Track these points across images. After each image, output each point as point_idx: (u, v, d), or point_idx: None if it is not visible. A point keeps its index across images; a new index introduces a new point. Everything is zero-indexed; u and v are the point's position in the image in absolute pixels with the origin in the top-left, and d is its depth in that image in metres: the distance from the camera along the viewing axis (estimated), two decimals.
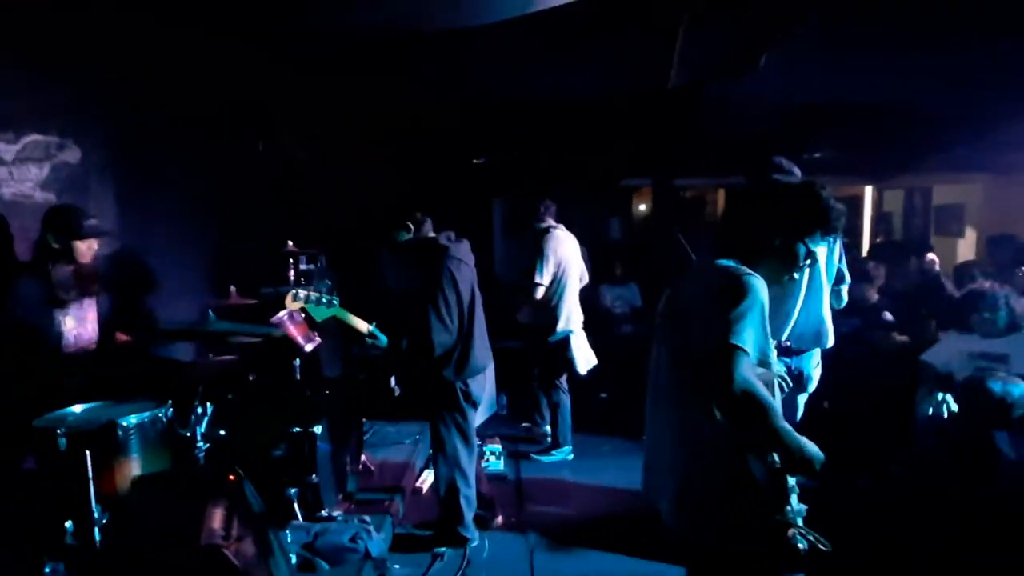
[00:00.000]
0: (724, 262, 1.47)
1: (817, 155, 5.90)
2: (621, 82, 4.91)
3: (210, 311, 2.87)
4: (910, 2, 3.33)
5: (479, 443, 3.99)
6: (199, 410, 2.38)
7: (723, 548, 1.45)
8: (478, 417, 4.42)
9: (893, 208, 7.43)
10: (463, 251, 2.72)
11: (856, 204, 7.52)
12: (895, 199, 7.41)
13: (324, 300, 2.50)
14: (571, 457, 4.03)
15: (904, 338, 3.85)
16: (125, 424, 2.08)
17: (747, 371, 1.33)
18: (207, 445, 2.36)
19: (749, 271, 1.43)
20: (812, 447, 1.37)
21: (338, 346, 3.58)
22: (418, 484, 3.59)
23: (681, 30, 3.98)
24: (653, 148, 6.17)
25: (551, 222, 4.06)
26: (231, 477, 1.89)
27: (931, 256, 4.81)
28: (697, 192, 7.92)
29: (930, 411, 2.96)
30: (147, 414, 2.17)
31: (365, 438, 3.87)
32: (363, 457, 3.38)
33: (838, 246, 2.71)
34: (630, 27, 3.91)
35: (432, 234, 2.76)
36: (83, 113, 3.10)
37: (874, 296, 4.14)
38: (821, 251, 2.71)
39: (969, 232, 6.33)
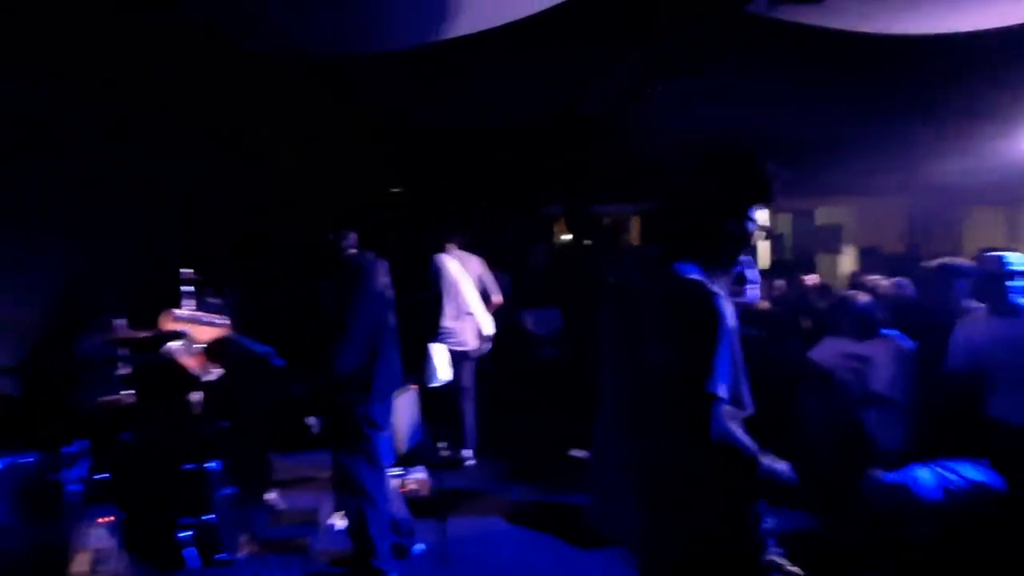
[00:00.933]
0: (684, 270, 1.36)
1: None
2: (537, 113, 5.12)
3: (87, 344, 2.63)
4: (789, 45, 3.75)
5: (403, 471, 3.90)
6: (74, 452, 2.15)
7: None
8: (403, 445, 4.35)
9: (784, 229, 8.12)
10: (379, 272, 2.66)
11: None
12: (785, 222, 8.12)
13: (211, 321, 2.32)
14: (471, 462, 4.13)
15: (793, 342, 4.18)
16: None
17: (724, 419, 1.27)
18: (81, 488, 2.13)
19: (713, 289, 1.32)
20: (785, 471, 1.33)
21: (247, 376, 3.39)
22: (330, 520, 3.41)
23: (588, 63, 4.24)
24: (568, 177, 6.42)
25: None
26: (102, 520, 1.72)
27: (812, 277, 5.27)
28: (615, 218, 8.29)
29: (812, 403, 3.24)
30: (10, 461, 1.96)
31: (281, 476, 3.65)
32: (271, 494, 3.17)
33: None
34: (543, 58, 4.11)
35: (353, 251, 2.66)
36: None
37: (766, 305, 4.48)
38: None
39: (848, 248, 7.03)
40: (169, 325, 2.29)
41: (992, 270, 2.62)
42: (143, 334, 3.13)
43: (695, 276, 1.36)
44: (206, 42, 3.06)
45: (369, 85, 4.27)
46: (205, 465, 2.43)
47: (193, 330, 2.26)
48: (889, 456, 3.12)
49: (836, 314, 3.45)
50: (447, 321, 4.15)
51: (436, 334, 4.16)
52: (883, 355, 3.21)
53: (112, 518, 1.72)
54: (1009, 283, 2.62)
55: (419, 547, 2.98)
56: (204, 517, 2.39)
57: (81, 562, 1.49)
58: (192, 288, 3.35)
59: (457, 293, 4.19)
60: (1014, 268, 2.60)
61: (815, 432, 3.33)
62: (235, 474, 2.70)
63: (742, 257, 1.47)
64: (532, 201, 6.93)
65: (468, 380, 4.27)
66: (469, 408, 4.29)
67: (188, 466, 2.42)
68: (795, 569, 1.37)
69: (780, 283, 4.58)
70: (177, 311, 2.26)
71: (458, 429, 4.30)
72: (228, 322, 2.33)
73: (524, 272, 6.31)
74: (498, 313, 4.53)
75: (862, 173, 5.94)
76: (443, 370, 4.09)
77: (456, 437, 4.31)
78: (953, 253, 5.27)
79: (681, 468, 1.34)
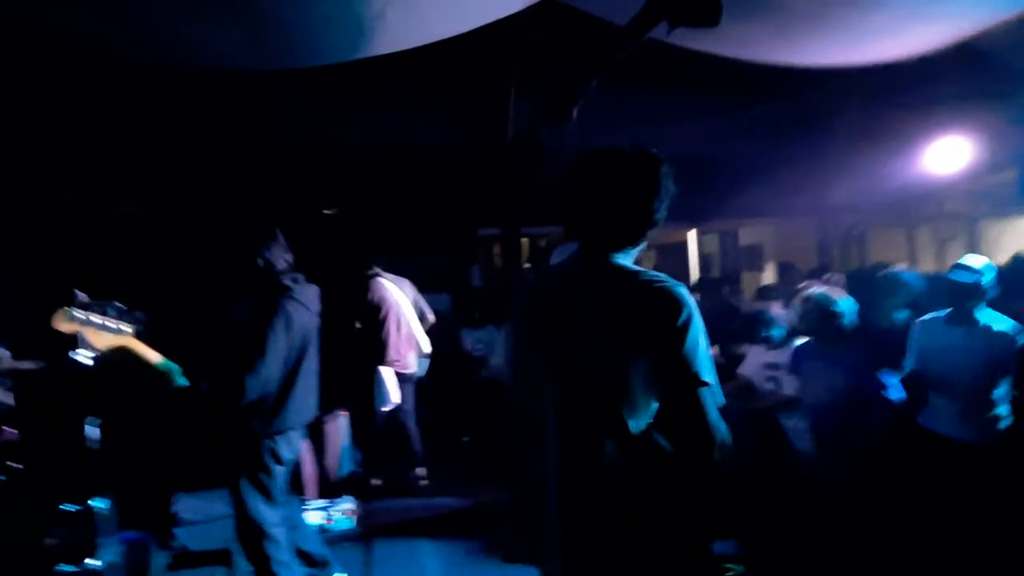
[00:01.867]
0: (623, 260, 1.33)
1: None
2: (467, 135, 5.16)
3: None
4: (700, 67, 3.95)
5: (328, 503, 3.70)
6: None
7: None
8: (334, 474, 4.15)
9: (711, 249, 8.50)
10: (307, 295, 2.48)
11: (683, 247, 8.50)
12: (712, 241, 8.50)
13: (111, 326, 2.02)
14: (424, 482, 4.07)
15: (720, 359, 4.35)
16: None
17: (715, 410, 1.23)
18: None
19: (673, 281, 1.28)
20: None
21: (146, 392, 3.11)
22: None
23: (511, 87, 4.32)
24: (501, 198, 6.48)
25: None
26: None
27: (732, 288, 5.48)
28: (550, 239, 8.43)
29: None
30: None
31: (183, 515, 3.37)
32: (176, 532, 2.92)
33: None
34: (470, 82, 4.16)
35: (281, 268, 2.44)
36: None
37: None
38: None
39: (768, 266, 7.42)
40: (62, 326, 1.96)
41: (964, 281, 2.63)
42: (26, 365, 2.87)
43: (645, 270, 1.32)
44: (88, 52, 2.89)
45: (294, 102, 4.18)
46: (89, 503, 2.19)
47: (89, 334, 1.97)
48: (803, 456, 3.27)
49: (752, 326, 3.65)
50: (391, 344, 4.14)
51: (381, 358, 4.11)
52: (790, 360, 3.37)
53: None
54: (976, 296, 2.62)
55: None
56: (87, 563, 2.14)
57: None
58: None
59: (399, 315, 4.21)
60: (984, 281, 2.64)
61: (739, 439, 3.45)
62: (131, 513, 2.46)
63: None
64: (469, 223, 6.95)
65: (410, 402, 4.28)
66: (414, 429, 4.28)
67: (69, 506, 2.17)
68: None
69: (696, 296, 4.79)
70: (73, 310, 1.96)
71: (404, 451, 4.26)
72: (131, 328, 2.05)
73: (463, 292, 6.34)
74: (436, 333, 4.55)
75: (776, 194, 6.32)
76: (395, 392, 4.09)
77: (401, 460, 4.26)
78: (859, 268, 5.66)
79: (634, 478, 1.26)
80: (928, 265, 6.39)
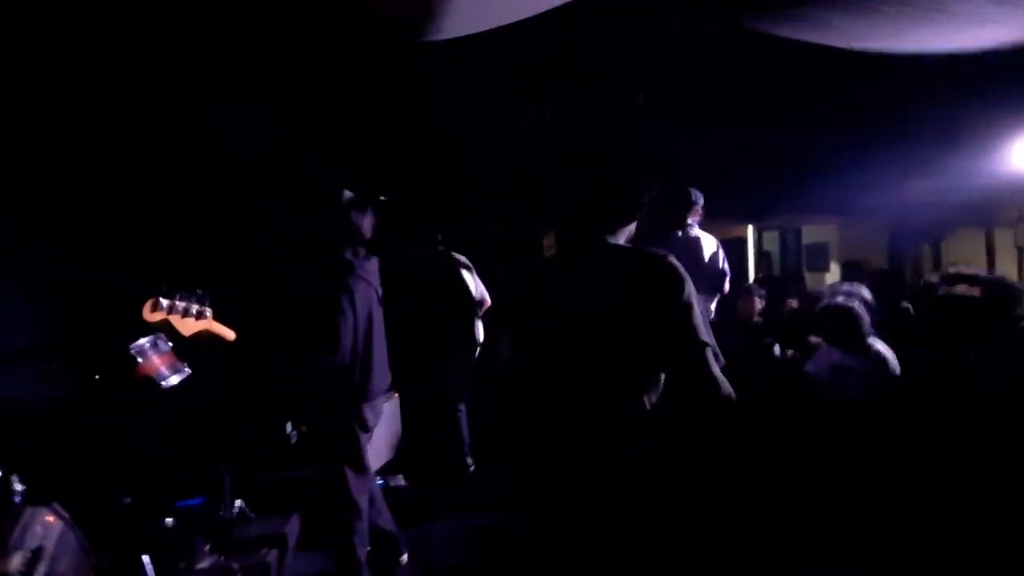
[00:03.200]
0: (614, 240, 1.42)
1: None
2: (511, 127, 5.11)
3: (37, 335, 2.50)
4: (777, 63, 3.79)
5: (382, 481, 3.78)
6: (16, 451, 2.04)
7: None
8: (383, 456, 4.24)
9: (771, 247, 8.18)
10: (368, 269, 2.54)
11: (741, 244, 8.22)
12: (772, 239, 8.18)
13: (194, 311, 2.14)
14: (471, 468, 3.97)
15: (791, 352, 4.16)
16: None
17: (717, 369, 1.29)
18: (25, 489, 2.02)
19: (666, 253, 1.36)
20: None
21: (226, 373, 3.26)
22: (304, 531, 3.28)
23: (564, 76, 4.26)
24: (543, 194, 6.41)
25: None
26: (49, 519, 1.61)
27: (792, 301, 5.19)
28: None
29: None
30: None
31: (247, 486, 3.52)
32: (239, 503, 3.04)
33: (721, 252, 3.17)
34: (520, 72, 4.12)
35: (343, 244, 2.49)
36: None
37: (756, 317, 4.46)
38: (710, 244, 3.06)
39: (833, 266, 7.09)
40: (151, 316, 2.07)
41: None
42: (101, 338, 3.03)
43: (637, 246, 1.42)
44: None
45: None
46: (165, 470, 2.31)
47: (175, 322, 2.09)
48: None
49: (824, 322, 3.35)
50: (478, 330, 4.07)
51: (471, 343, 4.04)
52: (862, 367, 3.16)
53: (54, 518, 1.62)
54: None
55: (404, 557, 2.86)
56: (161, 524, 2.26)
57: (14, 562, 1.39)
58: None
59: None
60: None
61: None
62: (199, 479, 2.59)
63: None
64: (520, 216, 6.93)
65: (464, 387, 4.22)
66: (464, 415, 4.22)
67: (147, 472, 2.30)
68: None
69: (760, 292, 4.61)
70: (161, 299, 2.07)
71: (454, 437, 4.19)
72: (210, 312, 2.17)
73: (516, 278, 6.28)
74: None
75: (844, 191, 6.02)
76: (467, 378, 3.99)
77: (451, 446, 4.20)
78: (934, 270, 5.32)
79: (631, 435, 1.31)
80: (1007, 271, 5.95)
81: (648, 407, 1.33)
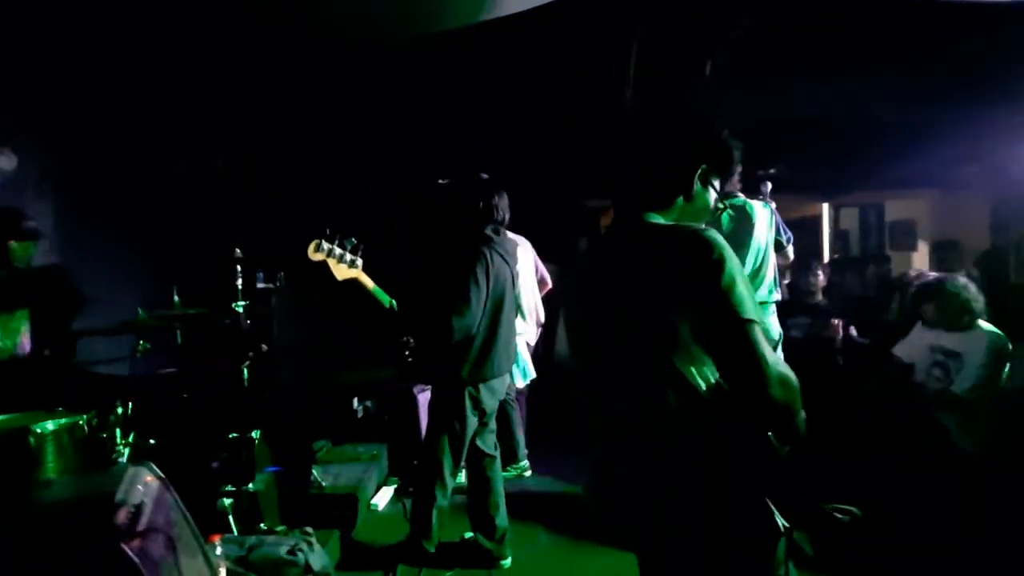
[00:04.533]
0: (658, 219, 1.35)
1: (772, 171, 6.08)
2: (579, 101, 5.01)
3: (139, 308, 2.72)
4: (853, 18, 3.50)
5: None
6: (120, 416, 2.24)
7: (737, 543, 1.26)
8: None
9: (849, 226, 7.65)
10: (508, 247, 2.62)
11: (815, 223, 7.73)
12: (850, 217, 7.64)
13: (348, 259, 2.30)
14: (528, 473, 3.89)
15: (863, 340, 3.89)
16: (39, 431, 1.98)
17: (768, 347, 1.21)
18: (128, 450, 2.22)
19: (704, 228, 1.29)
20: (803, 413, 1.28)
21: (293, 352, 3.46)
22: (373, 500, 3.43)
23: (634, 45, 4.11)
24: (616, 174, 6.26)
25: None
26: (148, 478, 1.76)
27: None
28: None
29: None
30: (64, 420, 2.07)
31: (319, 454, 3.72)
32: (312, 471, 3.22)
33: (775, 216, 2.97)
34: (584, 44, 4.01)
35: (488, 220, 2.59)
36: (21, 121, 3.02)
37: (819, 297, 4.21)
38: (762, 213, 2.86)
39: (921, 245, 6.54)
40: (313, 255, 2.29)
41: None
42: (193, 311, 3.27)
43: (679, 223, 1.34)
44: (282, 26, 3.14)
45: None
46: (248, 435, 2.47)
47: (332, 264, 2.29)
48: (966, 457, 2.86)
49: (927, 300, 3.08)
50: (528, 312, 3.98)
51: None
52: (974, 352, 2.89)
53: (153, 477, 1.77)
54: None
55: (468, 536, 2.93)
56: (245, 487, 2.43)
57: (123, 515, 1.53)
58: (239, 267, 3.45)
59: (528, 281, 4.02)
60: None
61: (887, 424, 3.08)
62: (277, 448, 2.75)
63: None
64: (577, 193, 6.81)
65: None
66: (511, 411, 3.99)
67: (232, 435, 2.47)
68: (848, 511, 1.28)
69: (823, 269, 4.36)
70: (323, 241, 2.28)
71: (508, 427, 4.01)
72: (361, 262, 2.34)
73: (570, 263, 6.18)
74: (551, 303, 4.41)
75: (937, 163, 5.52)
76: (530, 367, 3.89)
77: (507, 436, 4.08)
78: None
79: (696, 435, 1.26)
80: None
81: (704, 388, 1.27)
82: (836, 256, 7.10)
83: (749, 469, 1.26)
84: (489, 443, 2.71)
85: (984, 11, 3.20)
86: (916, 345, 3.14)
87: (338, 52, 3.81)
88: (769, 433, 1.27)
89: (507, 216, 2.65)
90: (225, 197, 4.20)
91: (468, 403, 2.48)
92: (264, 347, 3.00)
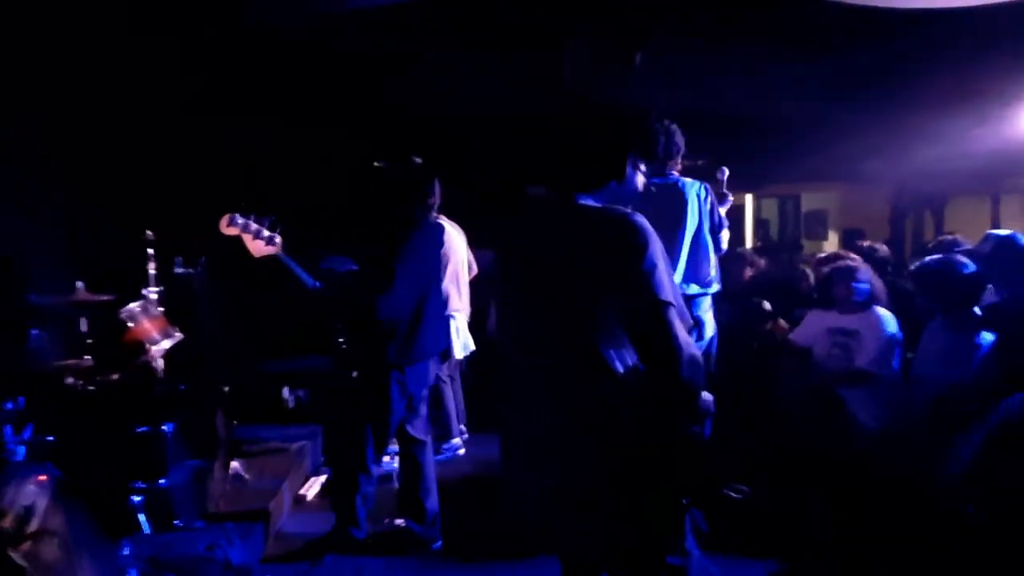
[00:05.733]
0: (588, 201, 1.38)
1: (700, 162, 6.32)
2: (518, 87, 5.00)
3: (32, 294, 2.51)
4: (768, 16, 3.66)
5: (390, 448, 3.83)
6: (11, 412, 2.06)
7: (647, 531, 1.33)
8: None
9: (769, 215, 8.11)
10: (435, 231, 2.60)
11: (738, 213, 8.14)
12: (770, 207, 8.10)
13: (265, 235, 2.17)
14: (461, 451, 3.92)
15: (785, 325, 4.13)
16: None
17: (682, 329, 1.26)
18: (22, 448, 2.05)
19: (631, 211, 1.33)
20: (709, 397, 1.34)
21: (216, 341, 3.30)
22: (302, 491, 3.34)
23: (567, 37, 4.14)
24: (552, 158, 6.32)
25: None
26: (40, 477, 1.64)
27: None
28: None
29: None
30: None
31: (244, 445, 3.58)
32: (234, 463, 3.10)
33: (710, 196, 2.90)
34: (522, 36, 4.00)
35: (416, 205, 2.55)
36: None
37: (747, 276, 4.42)
38: (695, 193, 2.85)
39: (832, 234, 7.04)
40: (226, 229, 2.17)
41: None
42: (102, 297, 3.04)
43: (607, 206, 1.38)
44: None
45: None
46: (160, 428, 2.34)
47: (247, 240, 2.18)
48: (867, 434, 3.09)
49: (828, 285, 3.27)
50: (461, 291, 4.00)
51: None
52: (870, 330, 3.10)
53: (46, 477, 1.64)
54: None
55: (386, 521, 2.92)
56: (158, 482, 2.30)
57: (7, 519, 1.42)
58: (152, 252, 3.23)
59: (460, 263, 4.02)
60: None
61: (792, 408, 3.30)
62: (194, 440, 2.62)
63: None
64: (518, 181, 6.84)
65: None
66: (458, 384, 4.19)
67: (141, 429, 2.33)
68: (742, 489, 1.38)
69: (760, 261, 4.55)
70: (237, 216, 2.16)
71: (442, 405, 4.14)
72: (280, 240, 2.23)
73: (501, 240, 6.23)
74: (480, 291, 4.47)
75: (846, 158, 5.91)
76: (463, 344, 3.88)
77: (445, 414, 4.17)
78: (937, 239, 5.26)
79: (609, 420, 1.30)
80: None
81: (621, 369, 1.31)
82: (758, 244, 7.52)
83: (661, 447, 1.31)
84: (419, 428, 2.69)
85: (890, 16, 3.44)
86: (812, 331, 3.34)
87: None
88: (678, 414, 1.32)
89: (438, 200, 2.65)
90: (136, 177, 3.91)
91: (395, 388, 2.46)
92: (179, 335, 2.83)
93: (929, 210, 6.64)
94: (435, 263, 2.58)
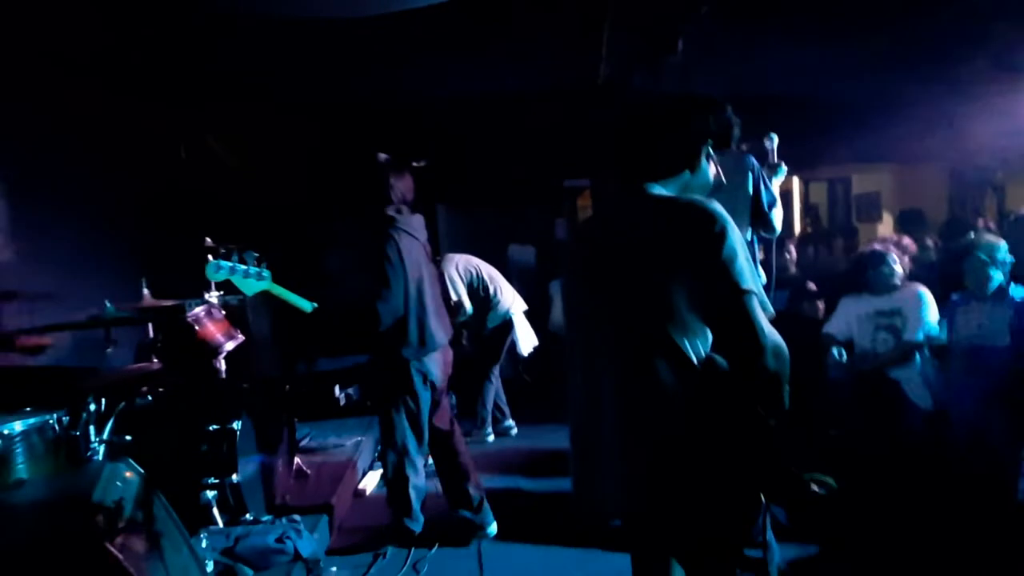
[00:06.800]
0: (660, 190, 1.37)
1: (744, 147, 6.14)
2: (553, 80, 4.97)
3: (107, 302, 2.63)
4: None
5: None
6: (93, 413, 2.17)
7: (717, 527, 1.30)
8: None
9: (818, 200, 7.83)
10: (413, 224, 2.59)
11: (787, 198, 7.88)
12: (819, 191, 7.81)
13: (252, 272, 2.28)
14: (514, 431, 4.16)
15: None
16: (7, 432, 1.90)
17: (765, 319, 1.23)
18: (103, 447, 2.15)
19: (707, 200, 1.31)
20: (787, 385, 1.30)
21: (270, 342, 3.40)
22: (360, 486, 3.42)
23: (606, 23, 4.07)
24: (588, 147, 6.26)
25: None
26: (126, 474, 1.71)
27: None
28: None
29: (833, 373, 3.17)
30: (34, 420, 1.99)
31: (303, 443, 3.69)
32: (297, 459, 3.19)
33: (760, 172, 2.77)
34: (557, 23, 3.96)
35: (388, 201, 2.56)
36: None
37: (792, 271, 4.33)
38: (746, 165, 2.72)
39: (886, 216, 6.74)
40: (212, 277, 2.30)
41: None
42: (166, 303, 3.17)
43: (680, 195, 1.36)
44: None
45: (399, 54, 4.17)
46: (229, 425, 2.42)
47: (239, 284, 2.28)
48: (924, 416, 3.02)
49: (862, 270, 3.28)
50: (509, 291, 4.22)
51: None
52: (912, 304, 3.12)
53: (131, 473, 1.72)
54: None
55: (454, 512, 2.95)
56: (228, 478, 2.39)
57: (103, 513, 1.49)
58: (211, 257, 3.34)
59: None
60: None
61: (845, 399, 3.22)
62: (260, 438, 2.70)
63: None
64: (555, 174, 6.80)
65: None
66: (500, 381, 4.31)
67: (212, 427, 2.42)
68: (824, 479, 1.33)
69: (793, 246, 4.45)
70: (219, 262, 2.28)
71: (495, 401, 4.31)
72: (269, 273, 2.32)
73: (550, 245, 6.27)
74: (528, 284, 4.55)
75: (899, 136, 5.65)
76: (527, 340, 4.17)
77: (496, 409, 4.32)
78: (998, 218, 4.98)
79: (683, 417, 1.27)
80: None
81: (696, 360, 1.28)
82: (808, 231, 7.27)
83: (739, 440, 1.28)
84: (444, 420, 2.73)
85: None
86: (849, 319, 3.29)
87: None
88: (758, 405, 1.29)
89: (409, 196, 2.62)
90: (192, 185, 4.06)
91: (417, 378, 2.50)
92: (241, 337, 2.93)
93: (990, 187, 6.29)
94: (419, 255, 2.56)
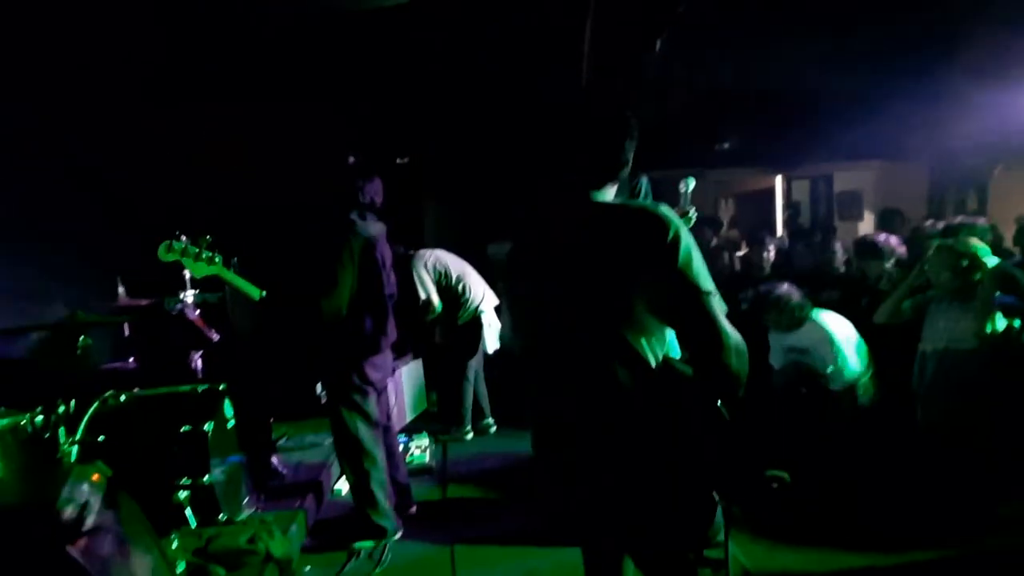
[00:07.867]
0: (601, 198, 1.38)
1: (726, 145, 6.17)
2: (538, 72, 4.94)
3: (77, 310, 2.62)
4: None
5: (406, 438, 3.93)
6: (64, 415, 2.17)
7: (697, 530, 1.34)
8: (408, 414, 4.36)
9: (801, 197, 7.89)
10: (372, 230, 2.61)
11: (769, 195, 7.93)
12: (802, 189, 7.87)
13: (205, 256, 2.32)
14: (469, 436, 4.20)
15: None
16: None
17: (725, 319, 1.25)
18: (75, 448, 2.16)
19: (656, 205, 1.32)
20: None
21: (248, 341, 3.41)
22: (337, 485, 3.44)
23: (587, 22, 4.07)
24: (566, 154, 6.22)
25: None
26: (94, 476, 1.72)
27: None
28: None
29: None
30: (5, 420, 1.99)
31: (281, 442, 3.70)
32: (273, 459, 3.20)
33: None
34: (539, 21, 3.96)
35: (351, 205, 2.60)
36: None
37: (767, 271, 4.36)
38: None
39: (867, 215, 6.81)
40: (165, 256, 2.30)
41: None
42: (143, 302, 3.16)
43: (626, 201, 1.40)
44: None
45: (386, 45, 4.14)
46: (202, 427, 2.43)
47: (188, 264, 2.32)
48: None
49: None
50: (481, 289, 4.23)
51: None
52: (819, 344, 3.16)
53: (99, 475, 1.73)
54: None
55: (412, 509, 2.99)
56: (202, 479, 2.40)
57: (67, 516, 1.50)
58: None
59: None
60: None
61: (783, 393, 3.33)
62: (236, 438, 2.72)
63: None
64: (540, 172, 6.79)
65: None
66: (481, 378, 4.35)
67: (184, 428, 2.42)
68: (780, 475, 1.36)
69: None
70: (174, 241, 2.31)
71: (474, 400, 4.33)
72: (220, 258, 2.37)
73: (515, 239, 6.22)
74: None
75: (881, 134, 5.69)
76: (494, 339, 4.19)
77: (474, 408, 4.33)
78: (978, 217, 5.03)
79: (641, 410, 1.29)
80: None
81: (654, 362, 1.31)
82: (787, 228, 7.33)
83: (697, 440, 1.30)
84: (380, 414, 2.77)
85: None
86: (774, 349, 3.37)
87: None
88: (719, 402, 1.31)
89: (377, 200, 2.66)
90: (169, 184, 4.03)
91: (356, 379, 2.57)
92: (217, 336, 2.93)
93: (972, 186, 6.36)
94: (373, 263, 2.59)
